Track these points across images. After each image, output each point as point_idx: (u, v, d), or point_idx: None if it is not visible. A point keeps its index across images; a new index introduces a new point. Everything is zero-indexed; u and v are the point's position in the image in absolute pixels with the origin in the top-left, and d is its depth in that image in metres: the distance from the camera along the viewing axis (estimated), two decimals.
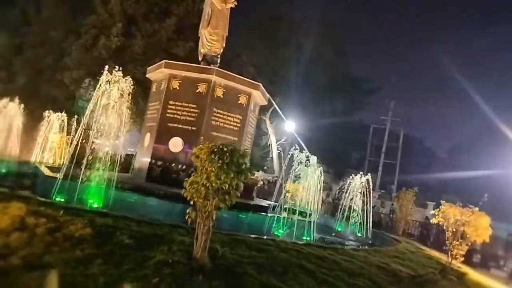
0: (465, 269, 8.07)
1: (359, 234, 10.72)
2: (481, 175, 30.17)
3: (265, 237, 6.30)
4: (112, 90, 7.41)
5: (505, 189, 30.41)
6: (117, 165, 10.78)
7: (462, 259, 7.46)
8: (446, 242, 7.56)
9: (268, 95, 12.23)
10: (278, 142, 33.80)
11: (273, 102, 31.51)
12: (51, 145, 12.70)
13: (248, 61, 31.61)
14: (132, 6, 22.94)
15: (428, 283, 6.00)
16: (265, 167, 35.93)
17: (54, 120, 12.47)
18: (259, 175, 26.83)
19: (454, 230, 7.54)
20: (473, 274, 8.07)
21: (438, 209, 7.85)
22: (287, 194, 16.43)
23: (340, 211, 11.27)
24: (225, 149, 4.62)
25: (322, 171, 13.77)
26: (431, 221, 14.28)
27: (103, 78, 7.48)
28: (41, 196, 6.20)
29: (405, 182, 31.86)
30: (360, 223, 10.90)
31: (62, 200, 6.65)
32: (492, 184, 32.17)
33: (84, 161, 7.50)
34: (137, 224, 5.47)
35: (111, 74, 7.69)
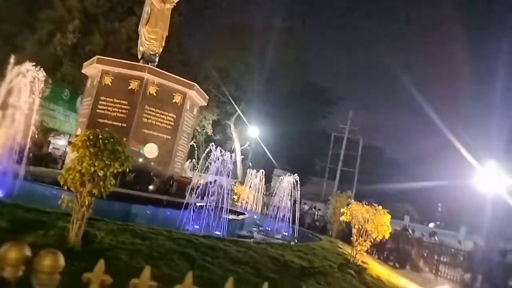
0: (373, 265, 8.43)
1: (285, 233, 11.00)
2: (437, 185, 31.30)
3: (164, 228, 6.41)
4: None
5: (459, 199, 31.71)
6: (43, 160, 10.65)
7: (365, 254, 7.80)
8: (351, 238, 7.90)
9: (207, 96, 12.43)
10: (242, 147, 34.06)
11: (237, 108, 31.93)
12: None
13: (214, 66, 31.87)
14: (93, 4, 22.82)
15: (318, 274, 6.26)
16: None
17: None
18: (226, 180, 26.89)
19: (359, 227, 7.89)
20: (376, 269, 8.44)
21: (346, 208, 8.19)
22: (233, 195, 16.69)
23: (269, 210, 11.54)
24: (100, 136, 4.73)
25: (262, 176, 14.11)
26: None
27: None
28: None
29: (364, 190, 32.72)
30: (288, 221, 11.19)
31: None
32: (447, 194, 33.49)
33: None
34: (25, 211, 5.51)
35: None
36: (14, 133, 8.12)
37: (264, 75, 33.09)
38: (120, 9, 24.37)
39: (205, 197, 8.32)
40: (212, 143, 9.68)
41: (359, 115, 33.58)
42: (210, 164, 8.37)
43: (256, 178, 13.93)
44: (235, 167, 34.35)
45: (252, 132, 32.01)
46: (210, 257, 5.48)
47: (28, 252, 1.20)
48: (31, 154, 10.96)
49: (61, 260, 1.23)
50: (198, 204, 8.38)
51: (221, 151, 8.45)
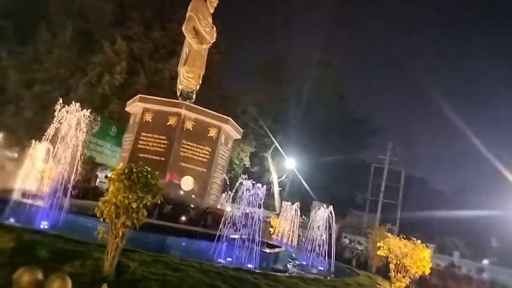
0: None
1: (320, 267, 10.71)
2: (487, 215, 29.32)
3: (196, 260, 6.52)
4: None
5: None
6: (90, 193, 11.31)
7: None
8: (389, 274, 7.58)
9: (241, 130, 12.74)
10: (280, 179, 33.96)
11: (274, 140, 32.20)
12: (39, 174, 13.34)
13: (251, 100, 32.66)
14: (138, 46, 24.54)
15: None
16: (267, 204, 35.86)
17: (42, 149, 13.20)
18: (259, 212, 26.84)
19: (397, 262, 7.57)
20: None
21: (383, 241, 7.92)
22: (270, 228, 16.59)
23: (306, 244, 11.33)
24: (133, 170, 5.03)
25: (297, 208, 14.02)
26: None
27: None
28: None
29: (408, 223, 31.23)
30: (324, 256, 10.91)
31: (12, 220, 7.11)
32: (502, 227, 31.10)
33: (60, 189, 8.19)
34: (65, 241, 5.85)
35: None
36: (62, 168, 8.78)
37: (301, 107, 33.40)
38: (163, 51, 25.96)
39: (237, 230, 8.38)
40: (245, 175, 9.83)
41: (400, 146, 32.69)
42: (241, 196, 8.47)
43: (291, 210, 13.84)
44: (273, 199, 34.20)
45: (289, 164, 31.96)
46: None
47: (40, 276, 1.37)
48: (77, 188, 11.63)
49: (69, 284, 1.39)
50: (231, 236, 8.45)
51: (252, 183, 8.56)
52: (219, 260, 7.88)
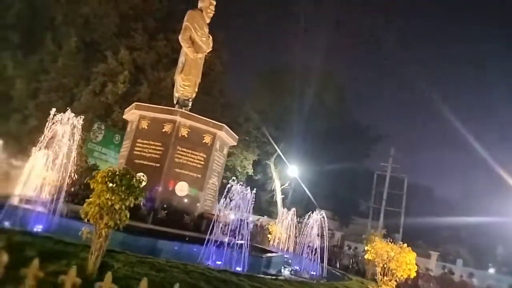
0: None
1: (313, 272, 10.77)
2: (492, 222, 29.03)
3: (182, 262, 6.68)
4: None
5: None
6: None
7: None
8: (375, 278, 7.65)
9: (236, 136, 12.92)
10: (282, 187, 34.05)
11: (276, 148, 32.37)
12: (40, 180, 13.64)
13: (254, 108, 32.94)
14: (141, 56, 25.00)
15: None
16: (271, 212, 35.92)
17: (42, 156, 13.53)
18: (263, 219, 26.97)
19: (383, 265, 7.65)
20: None
21: (370, 245, 8.01)
22: (268, 234, 16.68)
23: (299, 249, 11.42)
24: (116, 172, 5.24)
25: (294, 213, 14.13)
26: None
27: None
28: None
29: (412, 232, 30.99)
30: (318, 261, 10.98)
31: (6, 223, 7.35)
32: (504, 233, 30.69)
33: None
34: (55, 243, 6.06)
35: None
36: (59, 175, 9.08)
37: (303, 114, 33.59)
38: (166, 60, 26.37)
39: (228, 234, 8.54)
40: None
41: (404, 153, 32.66)
42: (230, 201, 8.63)
43: (287, 217, 13.96)
44: (275, 207, 34.24)
45: (291, 171, 32.05)
46: None
47: None
48: (76, 194, 11.86)
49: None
50: (221, 240, 8.60)
51: (240, 187, 8.72)
52: (208, 263, 8.03)
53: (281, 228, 14.67)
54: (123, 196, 5.18)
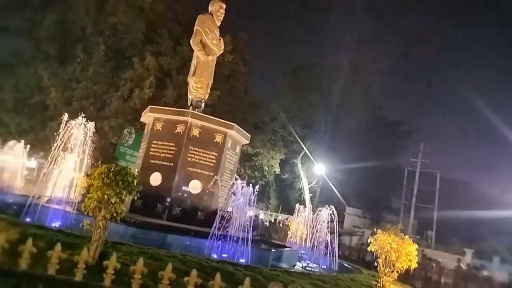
0: None
1: (323, 266, 10.86)
2: None
3: (181, 253, 7.06)
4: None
5: None
6: None
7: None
8: (377, 269, 7.69)
9: (248, 134, 13.20)
10: (310, 185, 33.98)
11: (303, 146, 32.36)
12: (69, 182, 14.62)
13: (280, 107, 33.10)
14: (167, 61, 25.93)
15: None
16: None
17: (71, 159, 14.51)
18: (290, 218, 27.12)
19: (385, 257, 7.68)
20: None
21: (373, 238, 8.06)
22: (288, 230, 16.86)
23: (313, 244, 11.54)
24: (112, 169, 5.70)
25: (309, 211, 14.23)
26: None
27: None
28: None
29: (447, 227, 29.96)
30: (333, 256, 11.06)
31: (29, 220, 8.07)
32: None
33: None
34: (65, 235, 6.63)
35: None
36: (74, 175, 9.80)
37: (331, 112, 33.36)
38: (190, 64, 27.17)
39: (232, 228, 8.86)
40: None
41: (436, 149, 31.59)
42: (233, 196, 8.94)
43: (304, 213, 14.11)
44: (303, 204, 34.19)
45: (318, 169, 31.91)
46: (211, 277, 5.93)
47: None
48: None
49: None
50: (229, 234, 8.93)
51: (242, 183, 9.01)
52: (213, 255, 8.39)
53: (299, 225, 14.81)
54: (117, 191, 5.63)
